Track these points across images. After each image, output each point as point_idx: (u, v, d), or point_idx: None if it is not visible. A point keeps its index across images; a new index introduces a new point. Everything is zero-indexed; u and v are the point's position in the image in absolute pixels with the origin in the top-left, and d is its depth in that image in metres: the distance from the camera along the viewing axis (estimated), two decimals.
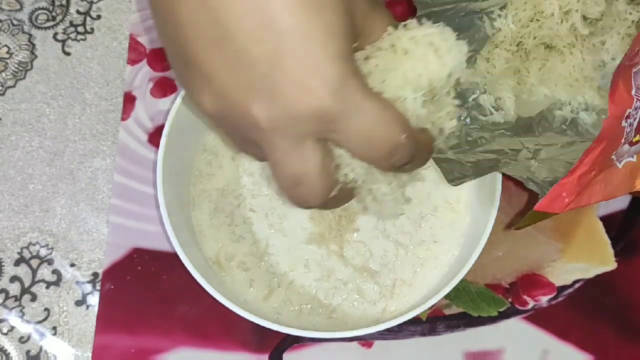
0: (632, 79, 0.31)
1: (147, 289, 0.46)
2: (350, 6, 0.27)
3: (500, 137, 0.34)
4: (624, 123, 0.31)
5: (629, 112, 0.31)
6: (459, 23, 0.32)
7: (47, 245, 0.47)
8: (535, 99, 0.34)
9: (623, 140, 0.32)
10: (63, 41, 0.52)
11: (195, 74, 0.27)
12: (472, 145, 0.35)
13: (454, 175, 0.35)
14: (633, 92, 0.31)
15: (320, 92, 0.25)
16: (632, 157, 0.33)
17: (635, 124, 0.32)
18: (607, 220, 0.47)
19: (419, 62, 0.29)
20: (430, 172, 0.45)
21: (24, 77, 0.51)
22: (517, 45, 0.34)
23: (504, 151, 0.34)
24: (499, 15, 0.32)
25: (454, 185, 0.36)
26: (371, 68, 0.29)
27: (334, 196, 0.30)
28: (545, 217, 0.33)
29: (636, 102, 0.31)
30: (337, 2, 0.26)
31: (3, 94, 0.50)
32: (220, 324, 0.45)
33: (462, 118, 0.34)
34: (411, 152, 0.29)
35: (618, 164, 0.33)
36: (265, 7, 0.25)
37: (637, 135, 0.33)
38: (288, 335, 0.43)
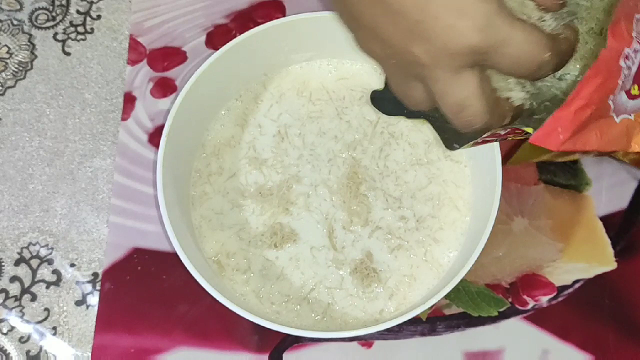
0: (634, 23, 0.32)
1: (147, 289, 0.46)
2: None
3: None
4: (621, 62, 0.32)
5: (628, 53, 0.32)
6: None
7: (47, 245, 0.47)
8: None
9: (620, 83, 0.33)
10: (63, 41, 0.52)
11: (363, 29, 0.33)
12: None
13: (452, 144, 0.41)
14: (634, 34, 0.32)
15: (468, 32, 0.29)
16: (630, 115, 0.34)
17: (634, 69, 0.33)
18: (607, 220, 0.47)
19: None
20: (430, 170, 0.45)
21: (24, 77, 0.51)
22: None
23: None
24: None
25: (451, 150, 0.42)
26: None
27: (496, 113, 0.34)
28: (539, 154, 0.33)
29: (636, 44, 0.32)
30: None
31: (3, 94, 0.50)
32: (220, 324, 0.45)
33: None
34: (555, 64, 0.32)
35: (615, 118, 0.33)
36: None
37: (635, 86, 0.33)
38: (288, 335, 0.44)
